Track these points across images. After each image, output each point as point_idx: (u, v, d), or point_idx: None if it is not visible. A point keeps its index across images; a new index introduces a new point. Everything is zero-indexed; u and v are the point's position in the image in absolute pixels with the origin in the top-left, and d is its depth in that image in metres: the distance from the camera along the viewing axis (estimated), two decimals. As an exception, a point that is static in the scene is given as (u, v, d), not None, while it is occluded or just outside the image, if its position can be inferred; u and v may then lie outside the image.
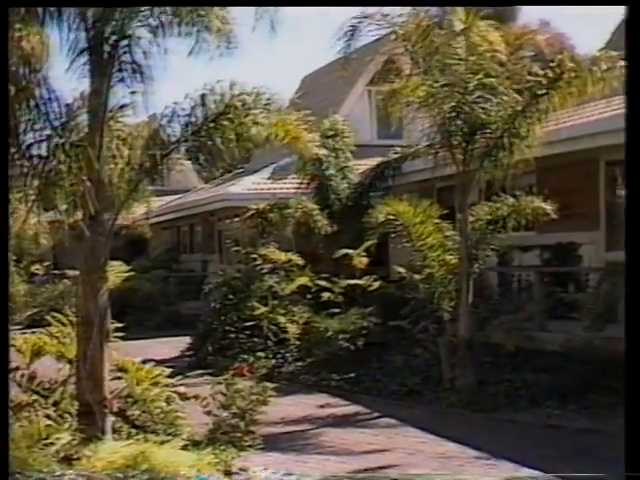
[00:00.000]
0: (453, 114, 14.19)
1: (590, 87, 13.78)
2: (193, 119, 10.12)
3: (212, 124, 10.00)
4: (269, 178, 27.28)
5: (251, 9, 9.54)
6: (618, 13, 22.07)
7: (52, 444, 8.61)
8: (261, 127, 9.96)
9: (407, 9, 14.75)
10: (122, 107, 9.74)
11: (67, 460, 8.39)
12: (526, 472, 9.79)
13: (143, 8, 9.25)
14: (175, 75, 10.45)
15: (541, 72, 13.99)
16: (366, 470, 10.07)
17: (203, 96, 10.09)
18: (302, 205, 20.18)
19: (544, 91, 13.89)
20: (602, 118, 16.42)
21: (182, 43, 9.58)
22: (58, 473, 7.45)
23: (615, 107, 15.12)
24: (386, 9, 14.24)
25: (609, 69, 13.55)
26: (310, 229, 20.04)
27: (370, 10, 14.14)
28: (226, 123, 9.91)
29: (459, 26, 14.48)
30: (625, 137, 7.45)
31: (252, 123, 9.90)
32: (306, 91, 32.17)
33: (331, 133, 21.15)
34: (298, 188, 21.71)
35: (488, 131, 14.17)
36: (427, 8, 14.90)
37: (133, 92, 9.47)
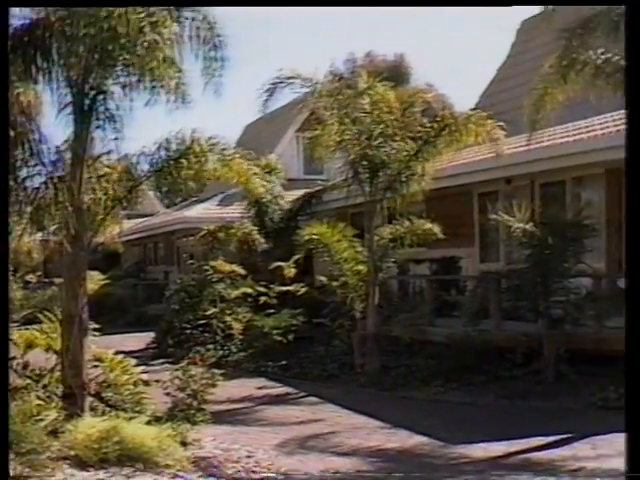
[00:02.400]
0: (361, 155, 14.33)
1: (465, 137, 14.09)
2: (157, 159, 10.06)
3: (173, 163, 9.94)
4: (218, 205, 27.27)
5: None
6: (489, 76, 22.51)
7: (42, 420, 8.47)
8: (214, 167, 9.92)
9: (322, 73, 14.96)
10: (108, 152, 9.66)
11: (53, 433, 8.26)
12: (418, 438, 9.79)
13: (116, 69, 9.18)
14: (143, 122, 10.33)
15: (428, 124, 14.23)
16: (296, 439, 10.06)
17: (167, 140, 10.05)
18: (244, 227, 20.16)
19: (431, 139, 14.13)
20: (474, 160, 16.73)
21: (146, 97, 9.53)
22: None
23: (485, 152, 15.35)
24: (307, 73, 14.38)
25: (478, 125, 13.89)
26: (250, 246, 20.01)
27: (296, 72, 14.26)
28: (185, 163, 9.85)
29: (363, 86, 14.66)
30: (625, 137, 6.84)
31: (207, 164, 9.87)
32: (248, 135, 32.30)
33: (267, 169, 21.15)
34: (241, 213, 21.69)
35: (389, 169, 14.32)
36: (339, 71, 15.07)
37: (115, 139, 9.39)
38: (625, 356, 5.91)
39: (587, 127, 15.27)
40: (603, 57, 11.92)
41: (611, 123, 14.72)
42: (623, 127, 14.17)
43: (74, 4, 8.48)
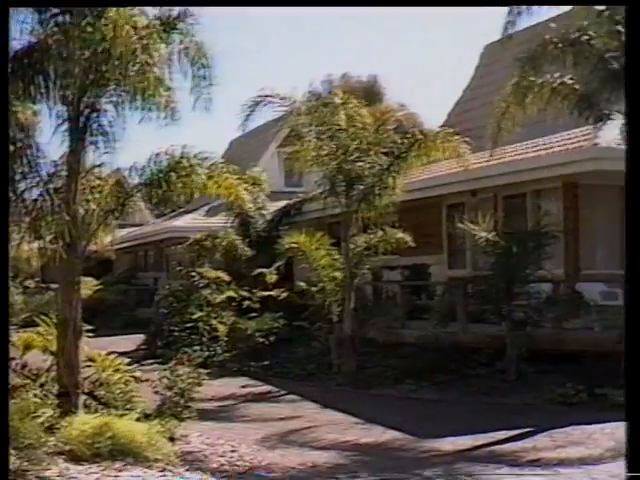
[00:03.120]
0: (338, 169, 14.36)
1: (433, 152, 14.19)
2: (148, 172, 10.02)
3: (163, 176, 9.91)
4: (204, 215, 27.24)
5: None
6: (456, 96, 22.64)
7: (39, 417, 8.39)
8: (202, 181, 9.90)
9: (301, 93, 15.03)
10: (100, 165, 9.63)
11: (50, 429, 8.20)
12: (391, 433, 9.79)
13: (109, 88, 9.17)
14: (134, 137, 10.30)
15: (400, 140, 14.31)
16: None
17: (157, 155, 10.01)
18: (229, 236, 20.13)
19: (403, 154, 14.20)
20: (443, 174, 16.83)
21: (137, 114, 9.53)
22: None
23: (452, 166, 15.43)
24: (286, 92, 14.47)
25: (446, 141, 13.99)
26: (235, 254, 19.97)
27: (275, 91, 14.32)
28: (174, 176, 9.83)
29: (339, 101, 14.70)
30: (626, 136, 6.50)
31: (195, 178, 9.85)
32: (233, 150, 32.28)
33: (252, 182, 21.12)
34: (226, 223, 21.64)
35: (363, 182, 14.35)
36: (317, 91, 15.17)
37: (107, 152, 9.37)
38: (625, 356, 5.70)
39: (545, 144, 15.42)
40: (558, 80, 12.07)
41: (567, 141, 14.88)
42: (578, 144, 14.36)
43: (74, 4, 8.34)
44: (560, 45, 11.65)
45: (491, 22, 12.99)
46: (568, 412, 10.70)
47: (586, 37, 11.59)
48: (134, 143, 10.15)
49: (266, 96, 14.27)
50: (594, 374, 11.51)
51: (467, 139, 14.04)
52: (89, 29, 8.13)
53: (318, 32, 63.61)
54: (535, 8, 11.53)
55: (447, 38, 63.95)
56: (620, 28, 11.36)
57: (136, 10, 8.78)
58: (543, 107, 12.29)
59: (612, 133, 13.15)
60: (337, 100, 14.72)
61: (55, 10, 8.41)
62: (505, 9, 11.53)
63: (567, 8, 11.90)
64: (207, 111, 9.52)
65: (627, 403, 5.76)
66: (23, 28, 8.73)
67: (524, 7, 11.46)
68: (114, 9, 7.93)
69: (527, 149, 15.64)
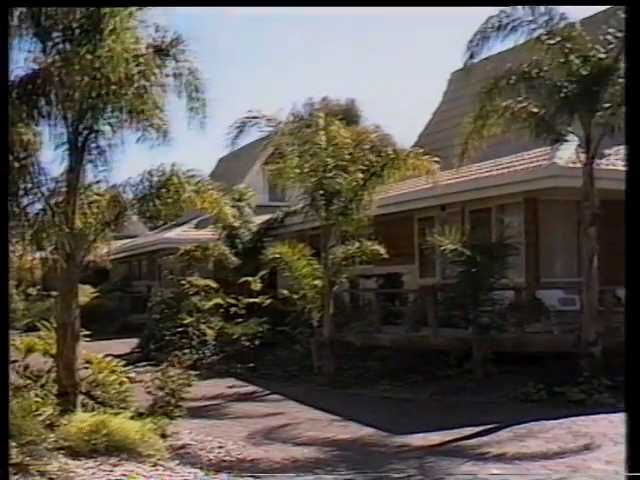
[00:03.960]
0: (318, 185, 14.39)
1: (405, 170, 14.28)
2: (141, 188, 10.03)
3: (155, 192, 9.93)
4: (194, 227, 27.14)
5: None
6: (427, 119, 22.78)
7: (39, 415, 8.35)
8: (190, 197, 9.92)
9: (285, 114, 15.08)
10: (97, 182, 9.63)
11: (50, 427, 8.16)
12: (367, 430, 9.79)
13: (107, 111, 9.18)
14: (128, 154, 10.31)
15: (375, 159, 14.38)
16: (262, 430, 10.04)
17: (149, 172, 10.03)
18: (218, 247, 20.11)
19: (377, 171, 14.27)
20: (414, 190, 16.91)
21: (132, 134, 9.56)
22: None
23: (423, 183, 15.51)
24: (271, 114, 14.49)
25: (417, 160, 14.09)
26: (223, 263, 19.95)
27: (261, 113, 14.36)
28: (165, 192, 9.84)
29: (321, 123, 14.77)
30: (626, 136, 6.34)
31: (184, 194, 9.87)
32: (221, 167, 32.26)
33: (238, 197, 21.17)
34: (214, 235, 21.60)
35: (341, 197, 14.39)
36: (299, 113, 15.22)
37: (104, 170, 9.38)
38: (625, 356, 5.40)
39: (508, 163, 15.57)
40: (519, 105, 12.26)
41: (528, 160, 15.04)
42: (537, 163, 14.52)
43: (74, 4, 8.24)
44: (515, 76, 11.88)
45: (457, 51, 13.14)
46: (530, 409, 10.77)
47: (537, 69, 11.82)
48: (129, 160, 10.20)
49: (253, 117, 14.33)
50: (553, 374, 11.61)
51: (437, 158, 14.14)
52: (88, 56, 8.15)
53: (300, 57, 63.82)
54: (496, 39, 11.71)
55: (418, 66, 64.41)
56: (571, 58, 11.59)
57: (132, 38, 8.81)
58: (506, 129, 12.48)
59: (568, 153, 13.36)
60: (320, 122, 14.78)
61: (57, 39, 8.42)
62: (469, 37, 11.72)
63: (525, 40, 12.03)
64: (202, 130, 9.57)
65: (627, 403, 5.53)
66: (28, 56, 8.76)
67: (483, 39, 11.62)
68: (112, 37, 7.93)
69: (492, 167, 15.78)
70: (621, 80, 11.63)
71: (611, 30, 11.55)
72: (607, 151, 12.53)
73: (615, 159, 13.70)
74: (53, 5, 8.30)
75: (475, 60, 11.86)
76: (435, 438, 9.17)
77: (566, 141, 12.65)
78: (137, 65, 8.55)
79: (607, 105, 11.76)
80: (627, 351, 5.26)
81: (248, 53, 63.87)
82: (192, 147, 27.06)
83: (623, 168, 14.23)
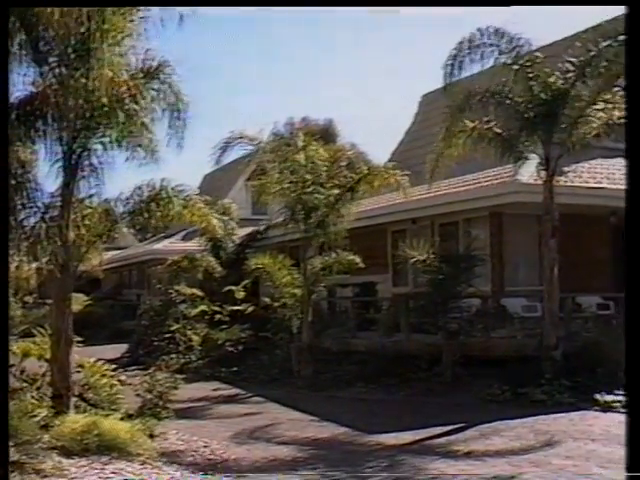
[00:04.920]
0: (297, 200, 14.45)
1: (379, 186, 14.40)
2: (132, 202, 10.01)
3: (145, 206, 9.91)
4: (181, 239, 27.07)
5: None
6: (399, 138, 22.93)
7: (35, 416, 8.31)
8: (178, 210, 9.92)
9: (267, 134, 15.16)
10: (90, 196, 9.61)
11: (45, 427, 8.13)
12: (344, 429, 9.78)
13: (98, 131, 9.17)
14: (120, 171, 10.29)
15: (350, 175, 14.47)
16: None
17: (139, 187, 10.01)
18: (207, 258, 20.11)
19: (353, 186, 14.36)
20: (387, 205, 17.01)
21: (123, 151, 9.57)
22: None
23: (396, 198, 15.62)
24: (253, 133, 14.56)
25: (389, 176, 14.21)
26: (209, 273, 19.91)
27: (244, 132, 14.41)
28: (154, 206, 9.84)
29: (301, 144, 14.84)
30: (626, 135, 6.13)
31: (172, 208, 9.86)
32: (207, 183, 32.21)
33: (223, 211, 21.16)
34: (200, 246, 21.57)
35: (319, 211, 14.45)
36: (280, 132, 15.32)
37: (96, 185, 9.36)
38: (625, 356, 5.10)
39: (474, 180, 15.72)
40: (485, 126, 12.42)
41: (492, 177, 15.20)
42: (501, 180, 14.69)
43: (74, 4, 8.02)
44: (484, 98, 12.05)
45: (428, 75, 13.30)
46: (495, 409, 10.85)
47: (503, 93, 12.01)
48: (121, 175, 10.19)
49: (238, 137, 14.39)
50: (517, 376, 11.68)
51: (408, 174, 14.27)
52: (82, 80, 8.16)
53: (283, 78, 63.99)
54: (468, 63, 11.85)
55: (390, 89, 64.85)
56: (532, 83, 11.80)
57: (122, 62, 8.84)
58: (473, 148, 12.64)
59: (529, 170, 13.54)
60: (300, 142, 14.87)
61: (53, 64, 8.43)
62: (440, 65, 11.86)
63: (492, 65, 12.20)
64: (180, 148, 9.59)
65: (627, 403, 5.31)
66: (26, 80, 8.76)
67: (453, 65, 11.76)
68: (103, 64, 7.93)
69: (459, 183, 15.92)
70: (577, 104, 11.88)
71: (568, 58, 11.79)
72: (565, 169, 12.72)
73: (573, 176, 13.93)
74: (53, 5, 8.03)
75: (447, 82, 12.00)
76: (407, 437, 9.19)
77: (528, 159, 12.84)
78: (128, 89, 8.56)
79: (564, 126, 11.97)
80: (627, 351, 5.00)
81: (231, 75, 63.91)
82: (179, 164, 27.03)
83: (580, 185, 14.51)
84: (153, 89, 9.30)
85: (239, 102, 62.76)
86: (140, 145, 9.14)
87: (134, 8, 8.27)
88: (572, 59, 11.76)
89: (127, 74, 8.73)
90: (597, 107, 11.99)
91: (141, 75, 9.09)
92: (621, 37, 11.00)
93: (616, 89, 11.82)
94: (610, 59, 11.28)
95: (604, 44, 11.37)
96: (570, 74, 11.77)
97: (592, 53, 11.54)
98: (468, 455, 8.27)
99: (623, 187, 14.99)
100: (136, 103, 8.65)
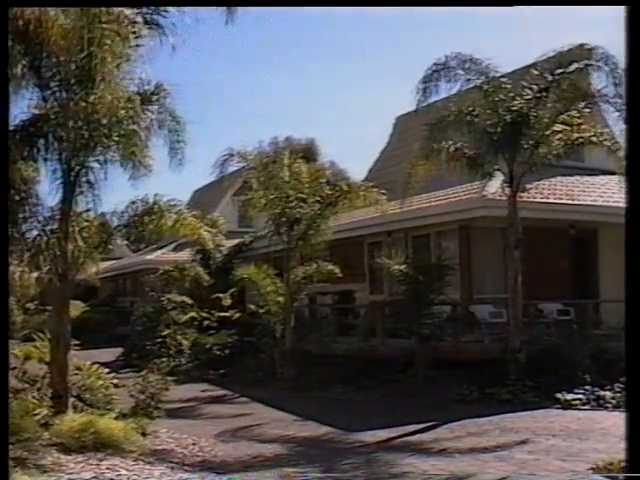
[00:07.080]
0: (281, 214, 14.49)
1: (356, 201, 14.48)
2: (126, 216, 10.01)
3: (138, 219, 9.91)
4: (172, 250, 26.95)
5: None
6: (374, 156, 23.06)
7: (36, 415, 8.28)
8: (171, 224, 9.93)
9: (255, 152, 15.17)
10: (87, 210, 9.60)
11: (45, 426, 8.10)
12: (324, 428, 9.77)
13: (96, 150, 9.17)
14: (116, 186, 10.29)
15: (330, 191, 14.55)
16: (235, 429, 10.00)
17: (133, 202, 10.02)
18: (195, 268, 20.07)
19: (332, 201, 14.44)
20: (364, 218, 17.06)
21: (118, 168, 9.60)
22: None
23: (372, 212, 15.69)
24: (243, 150, 14.58)
25: (366, 192, 14.31)
26: (198, 282, 19.87)
27: (239, 150, 14.46)
28: (147, 219, 9.84)
29: (286, 162, 14.91)
30: (626, 134, 5.80)
31: (165, 221, 9.87)
32: (196, 198, 32.15)
33: (211, 224, 21.11)
34: (190, 257, 21.53)
35: (301, 224, 14.50)
36: (265, 151, 15.36)
37: (93, 200, 9.36)
38: (625, 357, 4.75)
39: (445, 195, 15.84)
40: (454, 146, 12.57)
41: (461, 193, 15.35)
42: (469, 196, 14.84)
43: (75, 4, 7.85)
44: (457, 118, 12.18)
45: (401, 98, 13.45)
46: (464, 408, 10.90)
47: (472, 115, 12.17)
48: (116, 190, 10.18)
49: (230, 155, 14.46)
50: (484, 377, 11.75)
51: (384, 191, 14.37)
52: (82, 103, 8.17)
53: (267, 100, 64.05)
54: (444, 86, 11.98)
55: (367, 111, 65.21)
56: (498, 106, 11.98)
57: (120, 86, 8.87)
58: (443, 167, 12.77)
59: (495, 186, 13.70)
60: (285, 160, 14.95)
61: (55, 88, 8.44)
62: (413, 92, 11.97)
63: (462, 89, 12.34)
64: (180, 165, 9.65)
65: (627, 403, 4.95)
66: (30, 103, 8.77)
67: (425, 89, 11.87)
68: (102, 86, 7.95)
69: (431, 199, 16.04)
70: (538, 126, 12.07)
71: (527, 84, 11.98)
72: (528, 186, 12.90)
73: (535, 192, 14.11)
74: (53, 5, 7.85)
75: (419, 105, 12.11)
76: (383, 435, 9.20)
77: (494, 177, 13.00)
78: (125, 111, 8.59)
79: (526, 147, 12.16)
80: (627, 351, 4.64)
81: (222, 98, 63.86)
82: (169, 180, 26.99)
83: (542, 200, 14.71)
84: (150, 111, 9.35)
85: (223, 123, 62.47)
86: (135, 163, 9.14)
87: (132, 34, 8.30)
88: (532, 85, 11.97)
89: (125, 97, 8.74)
90: (556, 129, 12.20)
91: (138, 98, 9.11)
92: (574, 66, 11.38)
93: (574, 112, 12.07)
94: (564, 86, 11.56)
95: (558, 72, 11.61)
96: (529, 98, 11.98)
97: (549, 79, 11.78)
98: (440, 452, 8.27)
99: (581, 203, 15.33)
100: (133, 123, 8.66)
